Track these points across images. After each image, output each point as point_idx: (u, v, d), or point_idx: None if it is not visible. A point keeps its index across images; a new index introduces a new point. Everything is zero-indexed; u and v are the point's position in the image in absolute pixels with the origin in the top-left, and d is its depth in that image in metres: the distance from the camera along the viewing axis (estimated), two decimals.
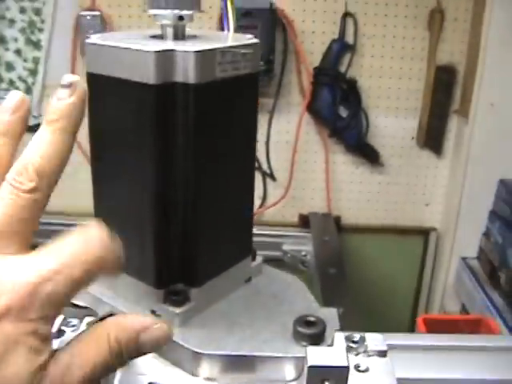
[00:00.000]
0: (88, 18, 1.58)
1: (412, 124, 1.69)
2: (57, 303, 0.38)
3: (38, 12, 1.60)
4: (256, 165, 1.60)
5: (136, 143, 0.49)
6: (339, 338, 0.48)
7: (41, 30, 1.62)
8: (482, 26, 1.52)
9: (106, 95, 0.49)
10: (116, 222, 0.40)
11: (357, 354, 0.51)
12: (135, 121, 0.48)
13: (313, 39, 1.62)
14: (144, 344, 0.41)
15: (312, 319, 0.50)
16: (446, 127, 1.68)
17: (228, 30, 0.56)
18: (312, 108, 1.63)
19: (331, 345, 0.48)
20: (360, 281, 1.71)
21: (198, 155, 0.49)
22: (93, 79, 0.49)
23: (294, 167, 1.70)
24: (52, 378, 0.37)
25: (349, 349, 0.50)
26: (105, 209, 0.55)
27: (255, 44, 0.50)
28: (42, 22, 1.61)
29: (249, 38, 0.52)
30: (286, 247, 1.66)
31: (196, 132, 0.48)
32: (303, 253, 1.63)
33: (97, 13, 1.58)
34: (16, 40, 1.62)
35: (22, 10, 1.60)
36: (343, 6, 1.58)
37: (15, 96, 0.43)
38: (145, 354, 0.42)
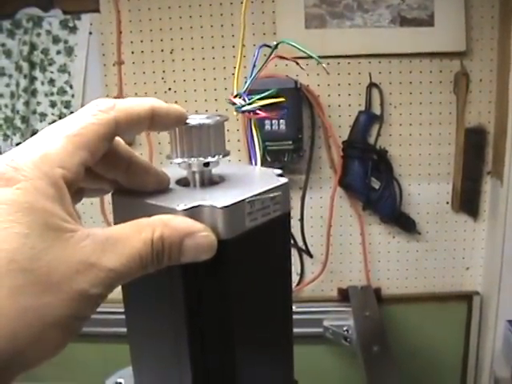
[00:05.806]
0: None
1: (446, 189, 1.67)
2: (50, 161, 0.35)
3: (67, 105, 1.63)
4: (292, 241, 1.59)
5: (166, 296, 0.46)
6: None
7: None
8: (508, 85, 1.51)
9: None
10: None
11: None
12: (164, 278, 0.45)
13: (339, 112, 1.62)
14: (187, 250, 0.39)
15: None
16: (480, 189, 1.66)
17: (255, 162, 0.55)
18: (344, 182, 1.62)
19: None
20: (405, 353, 1.67)
21: (234, 315, 0.46)
22: None
23: (330, 241, 1.68)
24: (77, 253, 0.34)
25: None
26: None
27: (284, 185, 0.48)
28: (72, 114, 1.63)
29: (277, 174, 0.51)
30: (326, 323, 1.64)
31: (228, 287, 0.45)
32: (345, 328, 1.60)
33: None
34: None
35: (53, 104, 1.63)
36: (367, 77, 1.59)
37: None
38: (183, 261, 0.39)
